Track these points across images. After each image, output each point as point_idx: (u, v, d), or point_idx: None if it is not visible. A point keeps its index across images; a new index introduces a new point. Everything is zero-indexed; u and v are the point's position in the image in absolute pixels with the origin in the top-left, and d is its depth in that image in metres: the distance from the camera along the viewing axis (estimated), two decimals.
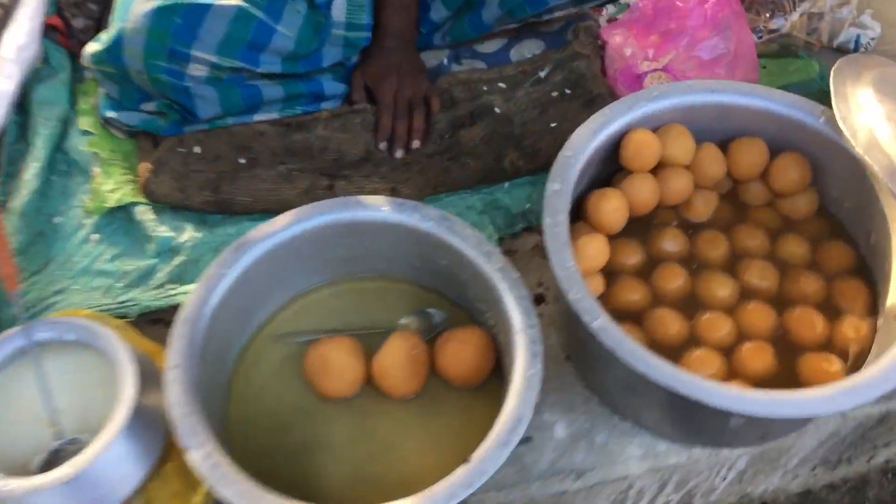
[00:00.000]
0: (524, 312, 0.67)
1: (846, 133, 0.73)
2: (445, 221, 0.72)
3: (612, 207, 0.75)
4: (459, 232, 0.72)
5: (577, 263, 0.71)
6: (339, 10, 0.94)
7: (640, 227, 0.79)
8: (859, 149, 0.72)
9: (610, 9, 1.07)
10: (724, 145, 0.81)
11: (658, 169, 0.79)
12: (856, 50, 1.04)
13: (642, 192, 0.77)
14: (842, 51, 1.05)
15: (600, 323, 0.64)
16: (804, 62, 1.00)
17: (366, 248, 0.76)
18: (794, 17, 0.97)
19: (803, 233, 0.80)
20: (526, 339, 0.65)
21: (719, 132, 0.81)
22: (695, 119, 0.80)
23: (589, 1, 0.97)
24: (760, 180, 0.81)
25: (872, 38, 1.05)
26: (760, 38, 0.98)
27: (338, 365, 0.71)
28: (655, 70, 0.88)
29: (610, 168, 0.80)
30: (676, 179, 0.78)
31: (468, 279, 0.73)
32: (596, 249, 0.72)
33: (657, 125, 0.79)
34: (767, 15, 0.98)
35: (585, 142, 0.75)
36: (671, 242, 0.78)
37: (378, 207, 0.73)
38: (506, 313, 0.68)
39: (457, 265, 0.73)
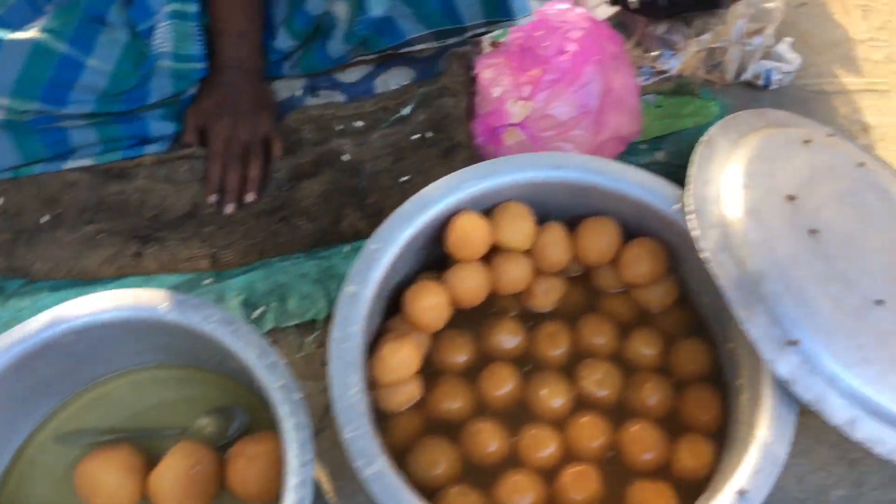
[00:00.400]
0: (300, 446, 0.58)
1: (694, 231, 0.62)
2: (228, 325, 0.63)
3: (428, 305, 0.65)
4: (243, 337, 0.62)
5: (378, 375, 0.62)
6: (163, 39, 0.81)
7: (475, 315, 0.70)
8: (707, 252, 0.61)
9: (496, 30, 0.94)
10: (578, 222, 0.71)
11: (492, 254, 0.69)
12: (766, 86, 0.92)
13: (468, 284, 0.67)
14: (752, 86, 0.93)
15: (375, 470, 0.55)
16: (701, 103, 0.87)
17: (152, 342, 0.67)
18: (689, 52, 0.84)
19: (661, 326, 0.70)
20: (296, 480, 0.56)
21: (574, 208, 0.71)
22: (541, 196, 0.69)
23: (454, 35, 0.83)
24: (612, 267, 0.71)
25: (788, 72, 0.92)
26: (647, 80, 0.85)
27: (107, 485, 0.62)
28: (512, 125, 0.76)
29: (441, 249, 0.70)
30: (511, 267, 0.68)
31: (256, 388, 0.64)
32: (401, 360, 0.63)
33: (494, 203, 0.69)
34: (656, 53, 0.85)
35: (397, 231, 0.64)
36: (506, 337, 0.69)
37: (153, 307, 0.64)
38: (282, 438, 0.59)
39: (244, 371, 0.64)
